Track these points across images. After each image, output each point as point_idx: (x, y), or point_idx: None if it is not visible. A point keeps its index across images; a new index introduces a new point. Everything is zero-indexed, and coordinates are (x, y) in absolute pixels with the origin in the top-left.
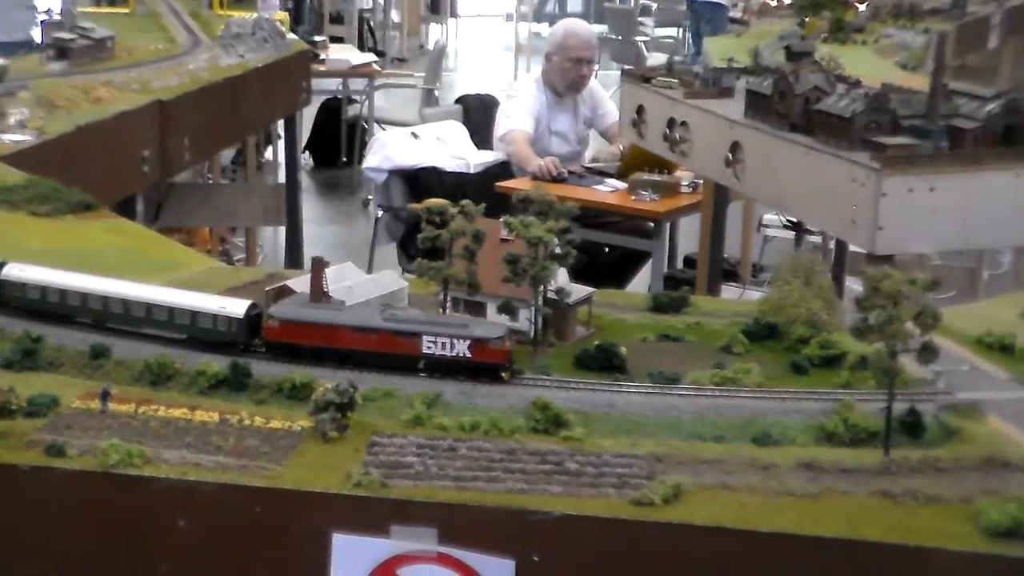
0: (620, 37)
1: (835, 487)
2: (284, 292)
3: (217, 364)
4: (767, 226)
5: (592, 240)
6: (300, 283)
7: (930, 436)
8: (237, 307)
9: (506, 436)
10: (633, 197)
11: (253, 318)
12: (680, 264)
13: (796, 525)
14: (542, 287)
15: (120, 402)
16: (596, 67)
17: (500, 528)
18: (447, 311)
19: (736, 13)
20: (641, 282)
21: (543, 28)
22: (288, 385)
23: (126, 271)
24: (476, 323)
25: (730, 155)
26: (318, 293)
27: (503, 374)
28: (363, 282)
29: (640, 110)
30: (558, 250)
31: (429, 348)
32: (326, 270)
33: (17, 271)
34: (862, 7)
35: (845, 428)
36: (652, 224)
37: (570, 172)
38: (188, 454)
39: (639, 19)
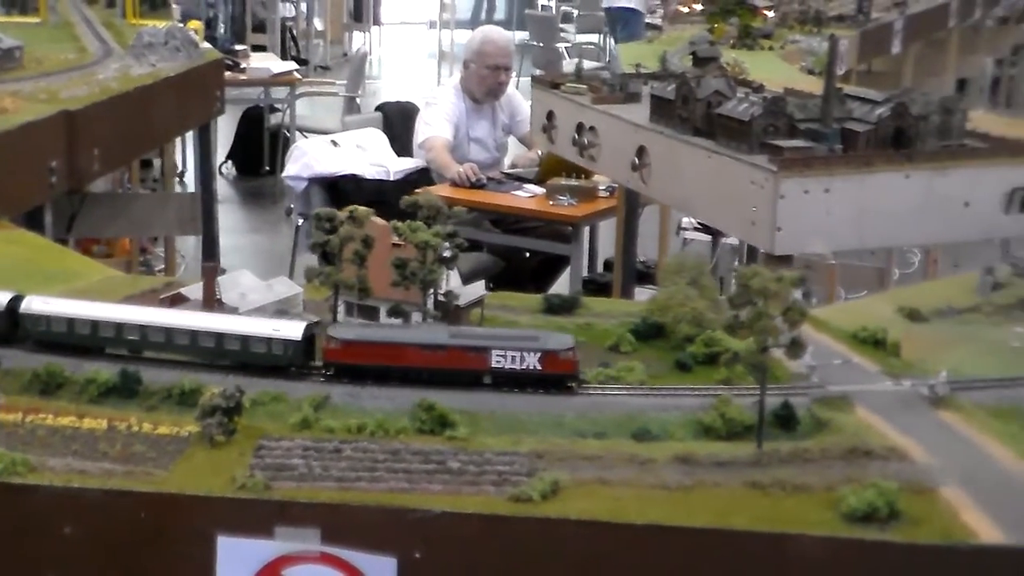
0: (542, 44)
1: (708, 479)
2: (177, 300)
3: (107, 371)
4: (686, 229)
5: (512, 246)
6: (193, 291)
7: (803, 428)
8: (293, 329)
9: (392, 437)
10: (551, 202)
11: (310, 340)
12: (601, 268)
13: (668, 517)
14: (431, 290)
15: (7, 411)
16: (514, 74)
17: (382, 526)
18: (338, 316)
19: (656, 20)
20: (563, 286)
21: (467, 35)
22: (178, 391)
23: (17, 282)
24: (545, 336)
25: (636, 159)
26: (209, 300)
27: (572, 384)
28: (257, 289)
29: (550, 115)
30: (447, 253)
31: (498, 362)
32: (220, 277)
33: (40, 304)
34: (771, 14)
35: (722, 423)
36: (571, 228)
37: (489, 178)
38: (74, 461)
39: (561, 26)
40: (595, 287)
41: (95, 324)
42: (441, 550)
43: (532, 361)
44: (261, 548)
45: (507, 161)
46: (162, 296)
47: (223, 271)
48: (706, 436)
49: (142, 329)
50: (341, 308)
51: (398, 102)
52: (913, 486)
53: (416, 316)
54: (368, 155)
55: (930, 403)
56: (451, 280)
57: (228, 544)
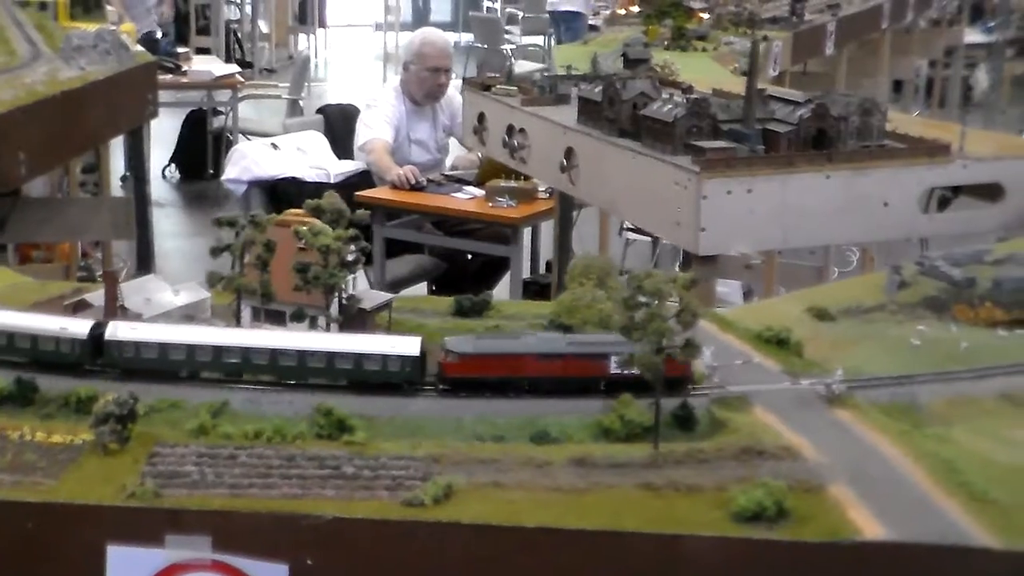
0: (487, 46)
1: (603, 481)
2: (82, 306)
3: (2, 379)
4: (629, 229)
5: (453, 248)
6: (97, 298)
7: (701, 428)
8: (409, 346)
9: (289, 443)
10: (491, 204)
11: (424, 355)
12: (543, 268)
13: (560, 519)
14: (335, 295)
15: None
16: (455, 76)
17: (273, 533)
18: (240, 321)
19: (598, 21)
20: (505, 288)
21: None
22: (74, 399)
23: None
24: None
25: (564, 161)
26: (111, 307)
27: (689, 386)
28: (163, 294)
29: (481, 117)
30: (351, 257)
31: (617, 368)
32: (128, 283)
33: (126, 331)
34: (706, 16)
35: (621, 424)
36: (511, 230)
37: (429, 180)
38: None
39: (506, 27)
40: (537, 288)
41: (191, 349)
42: (333, 556)
43: None
44: (152, 557)
45: (448, 163)
46: (66, 303)
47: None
48: (605, 438)
49: (244, 352)
50: (246, 313)
51: (339, 104)
52: (802, 484)
53: (321, 320)
54: (308, 158)
55: (826, 402)
56: (357, 283)
57: (118, 553)
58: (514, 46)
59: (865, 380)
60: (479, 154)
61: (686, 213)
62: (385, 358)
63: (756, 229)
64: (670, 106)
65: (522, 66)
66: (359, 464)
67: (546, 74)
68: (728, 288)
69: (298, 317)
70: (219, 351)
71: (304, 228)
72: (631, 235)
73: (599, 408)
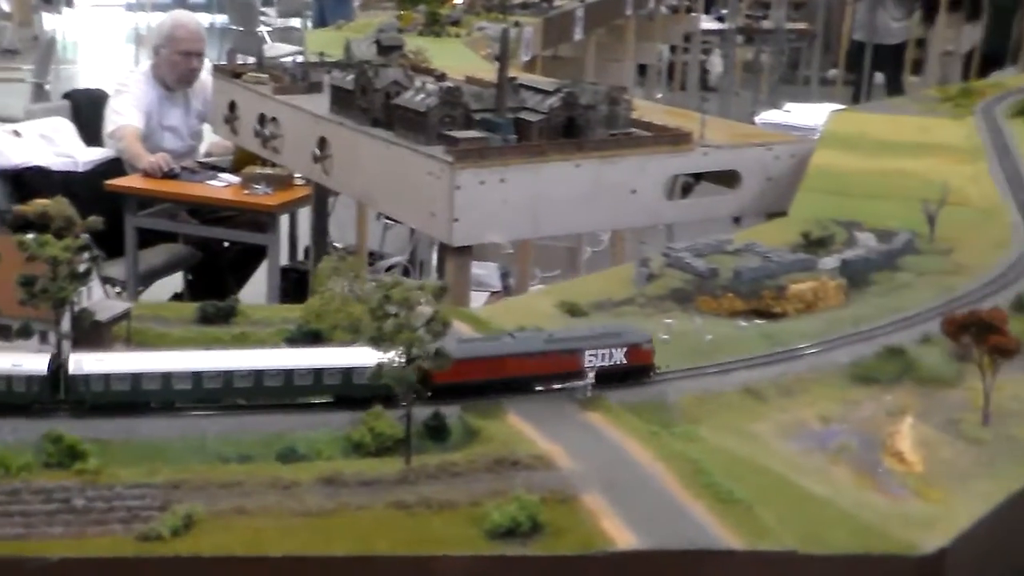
0: (242, 28)
1: (352, 502)
2: None
3: None
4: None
5: (210, 237)
6: None
7: (453, 438)
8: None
9: (12, 476)
10: (247, 191)
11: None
12: (302, 255)
13: (308, 546)
14: (66, 308)
15: None
16: (209, 60)
17: None
18: None
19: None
20: (263, 275)
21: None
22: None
23: None
24: (623, 329)
25: (318, 150)
26: None
27: (652, 374)
28: None
29: (232, 106)
30: (82, 268)
31: (591, 361)
32: None
33: (93, 363)
34: (459, 1)
35: (372, 438)
36: (268, 217)
37: (183, 168)
38: None
39: (262, 9)
40: (296, 275)
41: (166, 377)
42: None
43: (619, 356)
44: None
45: (202, 149)
46: None
47: None
48: (356, 453)
49: (227, 376)
50: None
51: (87, 89)
52: (556, 495)
53: (51, 336)
54: (55, 145)
55: (579, 405)
56: (93, 293)
57: None
58: (270, 28)
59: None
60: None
61: (440, 203)
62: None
63: (509, 219)
64: (423, 95)
65: (278, 49)
66: (91, 495)
67: (299, 61)
68: (486, 270)
69: (24, 333)
70: (199, 378)
71: (29, 238)
72: (389, 220)
73: (349, 421)
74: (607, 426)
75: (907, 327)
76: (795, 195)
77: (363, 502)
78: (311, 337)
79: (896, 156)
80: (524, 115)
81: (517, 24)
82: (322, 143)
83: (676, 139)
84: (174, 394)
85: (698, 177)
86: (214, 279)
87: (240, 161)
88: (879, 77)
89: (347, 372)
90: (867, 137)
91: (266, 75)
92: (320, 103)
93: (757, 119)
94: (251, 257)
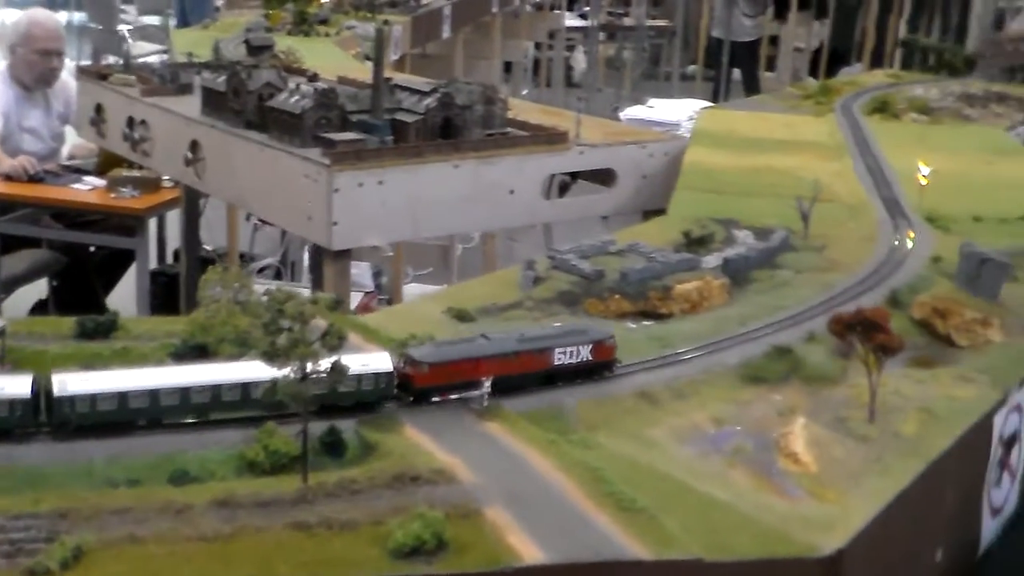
0: (101, 26)
1: (250, 524)
2: None
3: None
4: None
5: (75, 242)
6: None
7: (350, 454)
8: (380, 361)
9: None
10: (113, 195)
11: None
12: (171, 258)
13: (204, 573)
14: None
15: None
16: (69, 59)
17: None
18: None
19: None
20: (132, 279)
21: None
22: None
23: None
24: (587, 327)
25: (190, 154)
26: None
27: (613, 369)
28: None
29: (99, 109)
30: None
31: (560, 359)
32: None
33: (78, 383)
34: (326, 0)
35: (266, 456)
36: (136, 221)
37: (47, 171)
38: None
39: (121, 7)
40: (165, 279)
41: (153, 394)
42: None
43: (585, 353)
44: None
45: (65, 151)
46: None
47: None
48: (250, 472)
49: (214, 390)
50: None
51: None
52: (459, 510)
53: None
54: None
55: (476, 415)
56: None
57: None
58: (131, 26)
59: (510, 388)
60: None
61: (318, 207)
62: (359, 378)
63: (388, 221)
64: (297, 97)
65: (140, 48)
66: None
67: (167, 61)
68: (358, 270)
69: None
70: (187, 393)
71: None
72: (259, 222)
73: (242, 439)
74: (506, 436)
75: (792, 326)
76: (670, 193)
77: (261, 524)
78: (197, 351)
79: (765, 153)
80: (400, 116)
81: (386, 23)
82: (194, 146)
83: (552, 138)
84: (161, 411)
85: (574, 176)
86: (80, 285)
87: (105, 164)
88: (736, 73)
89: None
90: (736, 134)
91: (133, 77)
92: (191, 105)
93: (621, 115)
94: (118, 262)
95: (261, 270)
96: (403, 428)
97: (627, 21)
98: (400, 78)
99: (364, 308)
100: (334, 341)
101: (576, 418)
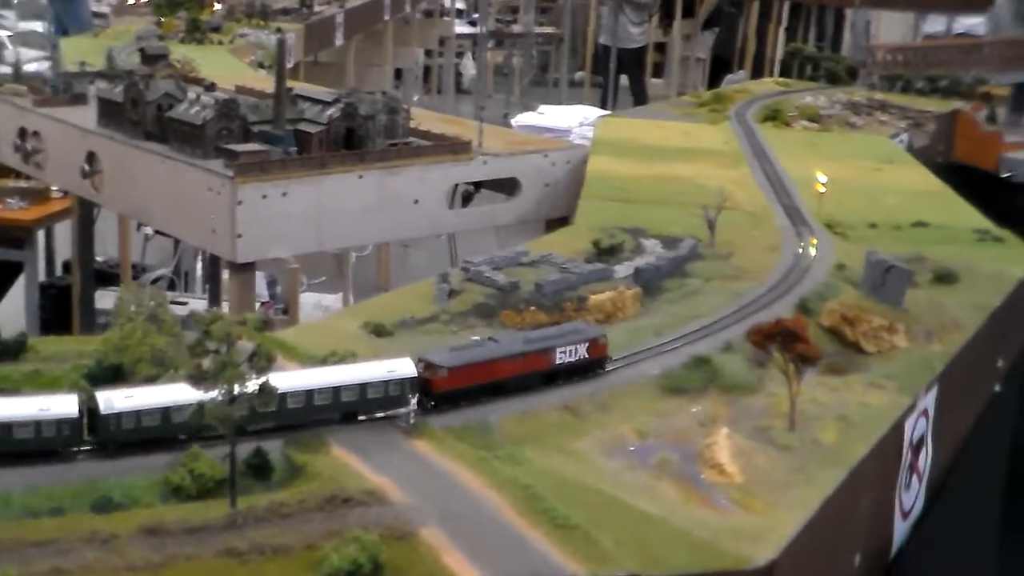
0: None
1: (180, 552)
2: None
3: None
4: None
5: None
6: None
7: (277, 476)
8: (405, 367)
9: None
10: (0, 206)
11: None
12: (60, 270)
13: None
14: None
15: None
16: None
17: None
18: None
19: (102, 8)
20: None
21: None
22: None
23: None
24: (581, 327)
25: (87, 166)
26: None
27: (606, 365)
28: None
29: None
30: None
31: (561, 358)
32: None
33: (122, 400)
34: (218, 7)
35: (192, 480)
36: (24, 233)
37: None
38: None
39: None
40: (56, 291)
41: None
42: None
43: (582, 351)
44: None
45: None
46: None
47: None
48: (176, 497)
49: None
50: None
51: None
52: (393, 532)
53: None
54: None
55: (402, 433)
56: None
57: None
58: (11, 33)
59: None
60: None
61: (221, 219)
62: (386, 384)
63: (293, 232)
64: (198, 108)
65: (23, 54)
66: None
67: (57, 70)
68: None
69: None
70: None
71: None
72: (150, 231)
73: (165, 463)
74: (434, 454)
75: (708, 335)
76: (573, 202)
77: (191, 552)
78: (113, 372)
79: (666, 161)
80: (303, 127)
81: (280, 31)
82: (91, 158)
83: (456, 148)
84: (204, 425)
85: (478, 185)
86: None
87: None
88: (624, 79)
89: (363, 387)
90: (636, 143)
91: (24, 87)
92: (87, 116)
93: (513, 121)
94: (5, 274)
95: (154, 281)
96: (329, 448)
97: (516, 28)
98: (302, 88)
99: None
100: (263, 362)
101: (501, 433)
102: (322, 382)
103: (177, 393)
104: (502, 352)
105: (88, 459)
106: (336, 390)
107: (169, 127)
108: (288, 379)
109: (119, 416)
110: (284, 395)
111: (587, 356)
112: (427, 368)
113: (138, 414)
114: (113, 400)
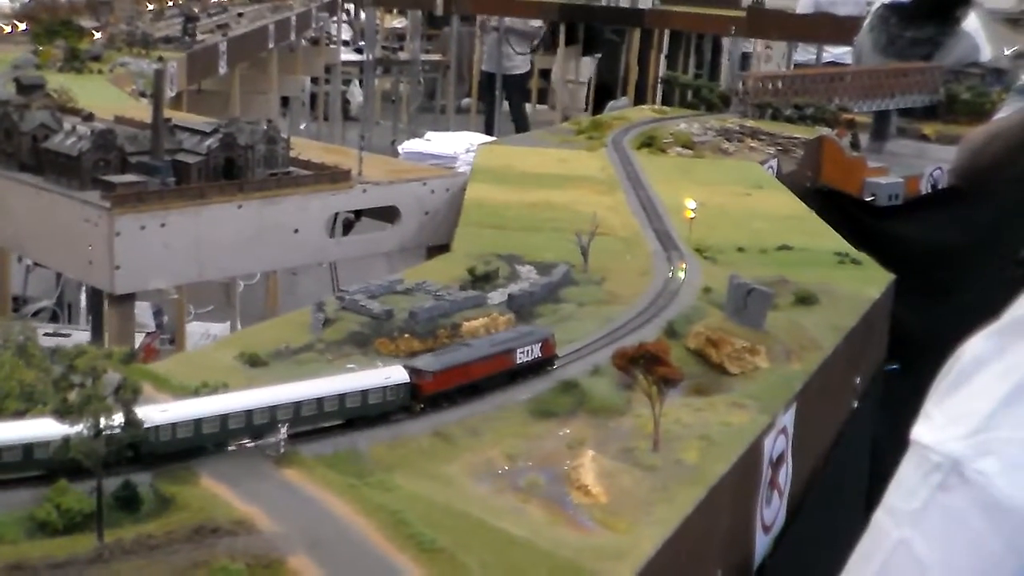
0: None
1: None
2: None
3: None
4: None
5: None
6: None
7: (146, 508)
8: (399, 373)
9: None
10: None
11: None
12: None
13: None
14: None
15: None
16: None
17: None
18: None
19: None
20: None
21: None
22: None
23: None
24: (534, 328)
25: None
26: None
27: (554, 363)
28: None
29: None
30: None
31: (521, 358)
32: None
33: (158, 413)
34: (98, 35)
35: (58, 515)
36: None
37: None
38: None
39: None
40: None
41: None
42: None
43: (536, 351)
44: None
45: None
46: None
47: None
48: (42, 533)
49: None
50: None
51: None
52: (261, 560)
53: None
54: None
55: (273, 462)
56: None
57: None
58: None
59: (306, 431)
60: None
61: (98, 251)
62: (384, 390)
63: (172, 263)
64: (74, 139)
65: None
66: None
67: None
68: (139, 310)
69: None
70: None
71: None
72: (31, 262)
73: (31, 498)
74: (304, 482)
75: (577, 359)
76: (453, 229)
77: None
78: None
79: (543, 188)
80: (182, 157)
81: (161, 59)
82: None
83: (335, 177)
84: (229, 434)
85: (359, 214)
86: None
87: None
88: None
89: (364, 393)
90: (514, 169)
91: None
92: None
93: (400, 148)
94: None
95: (36, 313)
96: (199, 479)
97: (402, 55)
98: (180, 118)
99: (148, 349)
100: (128, 395)
101: (372, 460)
102: (329, 390)
103: (205, 405)
104: (475, 355)
105: None
106: (341, 397)
107: (45, 158)
108: (301, 388)
109: (156, 429)
110: (300, 403)
111: (540, 355)
112: (413, 374)
113: (174, 427)
114: (152, 414)
